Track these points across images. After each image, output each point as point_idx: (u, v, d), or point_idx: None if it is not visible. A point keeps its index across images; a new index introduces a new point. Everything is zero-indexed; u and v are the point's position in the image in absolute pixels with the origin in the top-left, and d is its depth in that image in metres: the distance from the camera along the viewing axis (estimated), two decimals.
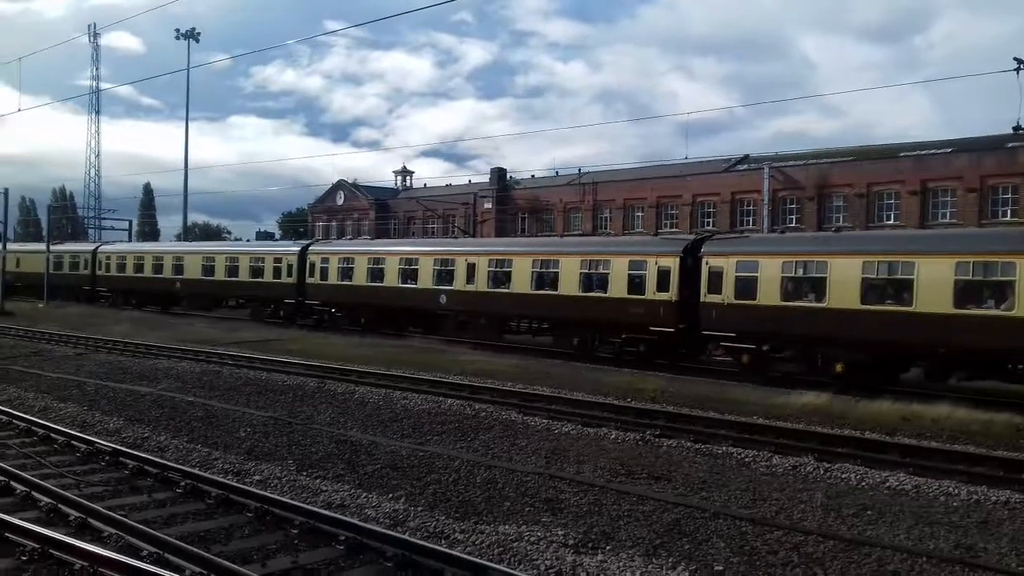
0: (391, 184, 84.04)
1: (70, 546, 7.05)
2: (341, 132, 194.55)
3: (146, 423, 13.87)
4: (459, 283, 29.57)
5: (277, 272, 37.86)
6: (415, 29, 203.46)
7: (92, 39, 79.75)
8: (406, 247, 35.74)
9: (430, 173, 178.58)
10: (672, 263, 23.58)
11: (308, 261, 36.27)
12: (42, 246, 55.09)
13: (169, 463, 10.40)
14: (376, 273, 33.24)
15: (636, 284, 24.36)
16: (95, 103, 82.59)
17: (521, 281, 27.61)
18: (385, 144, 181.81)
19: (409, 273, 31.83)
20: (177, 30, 68.38)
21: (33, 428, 12.56)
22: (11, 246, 57.80)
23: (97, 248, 51.96)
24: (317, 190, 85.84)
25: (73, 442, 11.66)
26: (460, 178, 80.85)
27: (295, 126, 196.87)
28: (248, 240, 56.30)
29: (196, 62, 69.67)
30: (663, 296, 23.48)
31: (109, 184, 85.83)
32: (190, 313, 43.32)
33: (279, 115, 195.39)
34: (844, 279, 19.91)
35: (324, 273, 35.46)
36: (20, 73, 76.28)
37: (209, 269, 42.05)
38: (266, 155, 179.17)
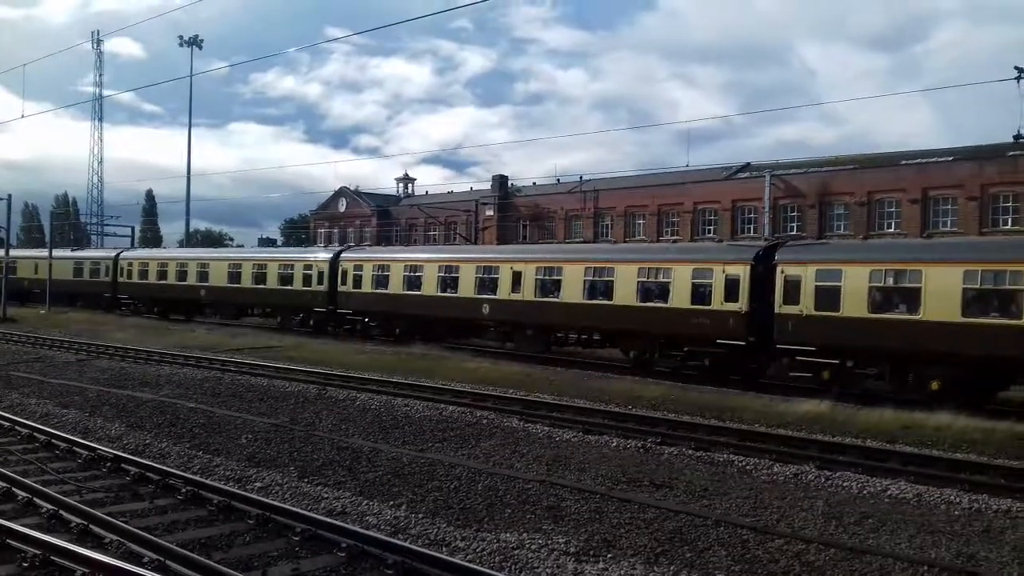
0: (392, 191, 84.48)
1: (71, 552, 7.07)
2: (340, 139, 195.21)
3: (148, 429, 13.90)
4: (503, 292, 28.08)
5: (307, 280, 36.33)
6: (415, 36, 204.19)
7: (95, 45, 79.98)
8: (446, 254, 34.10)
9: (430, 180, 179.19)
10: (741, 271, 22.15)
11: (340, 268, 34.76)
12: (63, 252, 54.85)
13: (170, 470, 10.42)
14: (413, 281, 31.65)
15: (701, 293, 22.90)
16: (98, 109, 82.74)
17: (572, 290, 26.14)
18: (384, 151, 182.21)
19: (449, 281, 30.26)
20: (180, 37, 69.01)
21: (35, 434, 12.58)
22: (30, 252, 57.67)
23: (119, 254, 50.03)
24: (318, 197, 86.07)
25: (75, 448, 11.68)
26: (461, 185, 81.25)
27: (295, 133, 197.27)
28: (253, 246, 56.24)
29: (198, 68, 69.90)
30: (732, 306, 22.05)
31: (110, 190, 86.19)
32: (216, 322, 41.88)
33: (279, 121, 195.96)
34: (942, 290, 18.57)
35: (358, 281, 33.90)
36: (24, 79, 76.13)
37: (235, 276, 40.36)
38: (266, 162, 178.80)
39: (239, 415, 15.48)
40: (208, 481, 9.99)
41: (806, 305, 20.63)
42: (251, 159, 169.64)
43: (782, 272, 21.33)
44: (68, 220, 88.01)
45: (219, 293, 41.39)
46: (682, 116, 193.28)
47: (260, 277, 39.10)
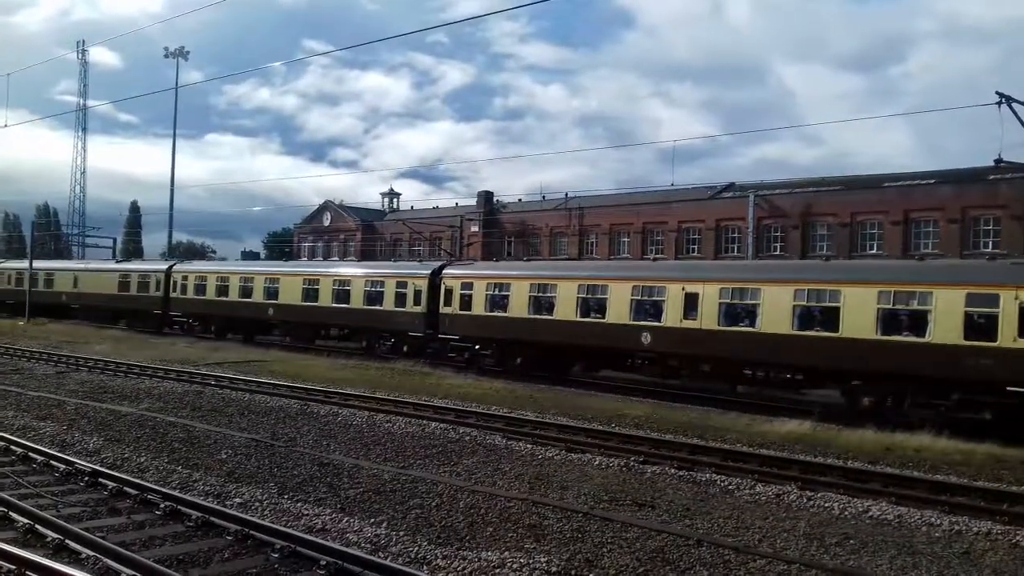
0: (372, 204, 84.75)
1: (47, 568, 6.97)
2: (317, 151, 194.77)
3: (126, 443, 13.74)
4: (672, 318, 23.52)
5: (400, 299, 32.47)
6: (392, 49, 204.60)
7: (80, 56, 79.55)
8: (586, 271, 29.69)
9: (408, 195, 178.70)
10: None
11: (443, 286, 30.66)
12: (105, 263, 54.20)
13: (149, 484, 10.29)
14: (543, 303, 27.32)
15: (978, 326, 18.32)
16: (82, 120, 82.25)
17: (774, 318, 21.42)
18: (362, 165, 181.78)
19: (592, 304, 25.99)
20: (166, 48, 69.06)
21: (12, 447, 12.41)
22: (67, 263, 56.40)
23: (172, 267, 45.28)
24: (300, 210, 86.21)
25: (52, 462, 11.53)
26: (441, 199, 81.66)
27: (271, 145, 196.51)
28: (236, 259, 55.84)
29: (174, 77, 69.73)
30: None
31: (87, 200, 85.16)
32: (286, 345, 37.84)
33: (254, 133, 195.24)
34: None
35: (466, 301, 29.57)
36: (8, 88, 75.48)
37: (312, 294, 36.33)
38: (243, 174, 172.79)
39: (219, 430, 15.34)
40: (187, 496, 9.87)
41: None
42: (228, 171, 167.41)
43: None
44: (50, 231, 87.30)
45: (291, 312, 37.35)
46: (663, 134, 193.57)
47: (342, 295, 35.16)
